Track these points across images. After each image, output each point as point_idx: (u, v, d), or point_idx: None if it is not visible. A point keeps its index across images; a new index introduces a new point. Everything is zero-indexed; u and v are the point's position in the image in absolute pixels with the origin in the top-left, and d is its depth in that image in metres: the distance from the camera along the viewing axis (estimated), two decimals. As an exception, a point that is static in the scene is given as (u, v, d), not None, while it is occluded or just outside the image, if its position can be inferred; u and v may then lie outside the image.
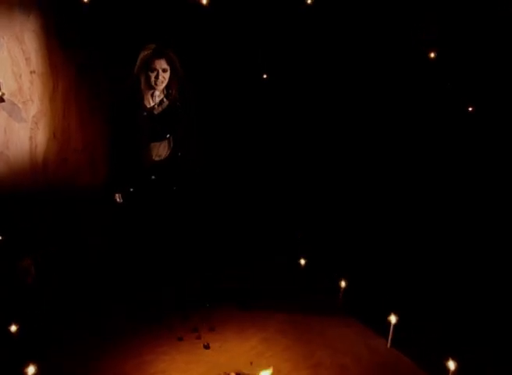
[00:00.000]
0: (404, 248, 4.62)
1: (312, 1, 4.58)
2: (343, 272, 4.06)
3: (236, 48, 4.90)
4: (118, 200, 3.94)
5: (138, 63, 3.76)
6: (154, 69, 3.75)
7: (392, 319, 3.53)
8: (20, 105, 4.57)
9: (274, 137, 5.11)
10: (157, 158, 3.90)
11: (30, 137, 4.65)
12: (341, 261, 4.53)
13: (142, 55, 3.75)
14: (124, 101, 3.84)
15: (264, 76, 4.93)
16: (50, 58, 4.61)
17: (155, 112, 3.88)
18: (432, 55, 4.31)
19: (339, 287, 3.97)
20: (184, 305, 4.01)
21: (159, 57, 3.75)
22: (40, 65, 4.60)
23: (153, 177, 3.91)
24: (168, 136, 3.90)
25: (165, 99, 3.90)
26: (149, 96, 3.86)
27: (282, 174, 5.13)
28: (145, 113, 3.83)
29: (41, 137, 4.68)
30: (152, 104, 3.88)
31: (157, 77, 3.76)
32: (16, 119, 4.58)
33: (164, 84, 3.82)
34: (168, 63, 3.77)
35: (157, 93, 3.87)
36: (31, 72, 4.56)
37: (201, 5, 4.46)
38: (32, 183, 4.64)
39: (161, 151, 3.91)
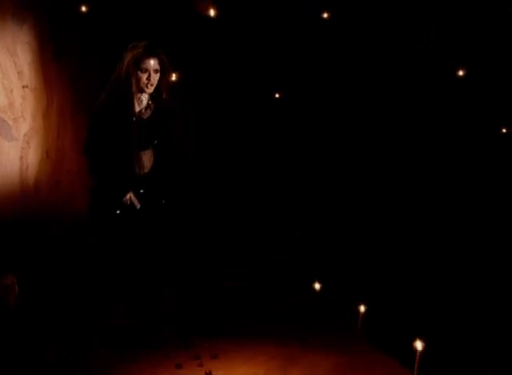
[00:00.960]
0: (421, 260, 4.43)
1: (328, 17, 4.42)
2: (361, 294, 3.79)
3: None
4: (135, 204, 3.60)
5: (127, 62, 3.44)
6: (145, 70, 3.44)
7: (418, 345, 3.15)
8: (11, 122, 4.22)
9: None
10: (145, 170, 3.60)
11: (21, 157, 4.30)
12: (357, 282, 4.30)
13: (132, 53, 3.44)
14: (111, 107, 3.47)
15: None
16: (44, 71, 4.30)
17: (144, 117, 3.59)
18: (460, 72, 4.22)
19: (358, 311, 3.63)
20: (186, 330, 3.68)
21: (151, 56, 3.46)
22: (34, 79, 4.28)
23: (141, 191, 3.62)
24: (155, 142, 3.62)
25: (150, 102, 3.60)
26: (136, 100, 3.54)
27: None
28: (134, 119, 3.53)
29: (33, 158, 4.31)
30: (139, 108, 3.58)
31: (148, 79, 3.45)
32: (5, 137, 4.22)
33: (154, 87, 3.52)
34: (160, 64, 3.50)
35: (144, 96, 3.56)
36: (23, 86, 4.25)
37: (208, 17, 4.30)
38: (22, 208, 4.25)
39: (147, 161, 3.62)
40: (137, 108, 3.56)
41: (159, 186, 3.68)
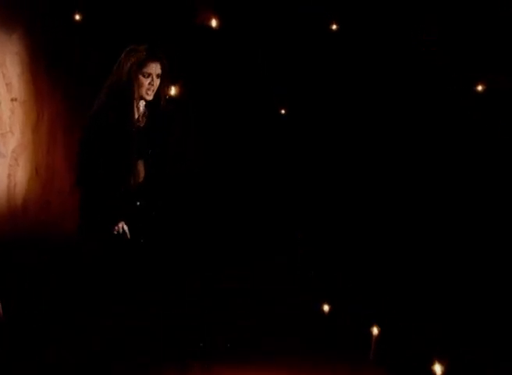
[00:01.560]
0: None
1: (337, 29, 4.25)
2: (373, 316, 3.61)
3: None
4: (121, 231, 3.30)
5: (129, 66, 3.20)
6: (148, 74, 3.21)
7: (437, 370, 2.97)
8: (-2, 138, 3.90)
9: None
10: (139, 180, 3.36)
11: (9, 175, 4.06)
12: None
13: (134, 56, 3.22)
14: (109, 115, 3.21)
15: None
16: (35, 83, 4.07)
17: (140, 125, 3.35)
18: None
19: (371, 335, 3.45)
20: (182, 353, 3.55)
21: (155, 60, 3.25)
22: (23, 91, 4.05)
23: (138, 203, 3.37)
24: (150, 151, 3.37)
25: (146, 109, 3.37)
26: (135, 106, 3.30)
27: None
28: (134, 129, 3.29)
29: (21, 175, 4.07)
30: (137, 115, 3.34)
31: (151, 84, 3.23)
32: (-8, 153, 3.91)
33: (154, 93, 3.29)
34: (162, 68, 3.28)
35: (142, 103, 3.32)
36: (12, 99, 4.03)
37: (211, 28, 4.17)
38: (9, 229, 3.98)
39: (140, 171, 3.37)
40: (135, 116, 3.34)
41: (156, 195, 3.45)
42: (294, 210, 5.06)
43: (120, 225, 3.32)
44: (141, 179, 3.37)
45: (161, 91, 3.33)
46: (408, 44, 4.59)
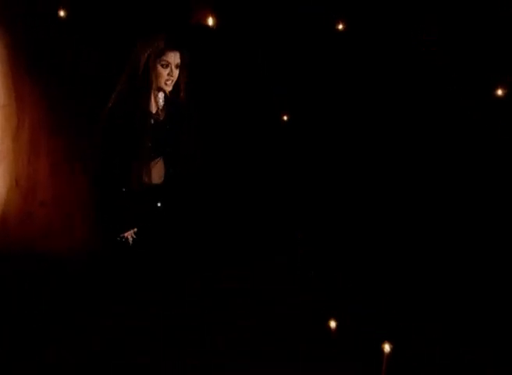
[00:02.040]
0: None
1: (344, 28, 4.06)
2: (384, 330, 3.49)
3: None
4: (130, 239, 3.15)
5: (147, 55, 3.01)
6: (167, 64, 3.03)
7: None
8: (-25, 146, 3.58)
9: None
10: (157, 181, 3.16)
11: None
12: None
13: (151, 45, 3.02)
14: (126, 108, 3.01)
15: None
16: (16, 87, 3.77)
17: (159, 119, 3.16)
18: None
19: (382, 352, 3.21)
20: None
21: (174, 49, 3.05)
22: (3, 96, 3.75)
23: (159, 205, 3.20)
24: (168, 149, 3.19)
25: (165, 102, 3.18)
26: (154, 99, 3.12)
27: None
28: (152, 121, 3.11)
29: (0, 186, 3.78)
30: (156, 109, 3.15)
31: (170, 74, 3.04)
32: (-31, 162, 3.59)
33: (173, 84, 3.11)
34: (181, 58, 3.08)
35: (161, 95, 3.14)
36: None
37: (208, 27, 4.00)
38: None
39: (159, 170, 3.17)
40: (154, 109, 3.15)
41: (176, 197, 3.27)
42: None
43: (128, 234, 3.18)
44: (161, 179, 3.19)
45: (180, 83, 3.14)
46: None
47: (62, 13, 3.75)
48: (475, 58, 4.40)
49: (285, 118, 4.75)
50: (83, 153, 3.69)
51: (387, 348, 3.11)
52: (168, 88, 3.10)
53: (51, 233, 3.92)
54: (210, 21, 4.02)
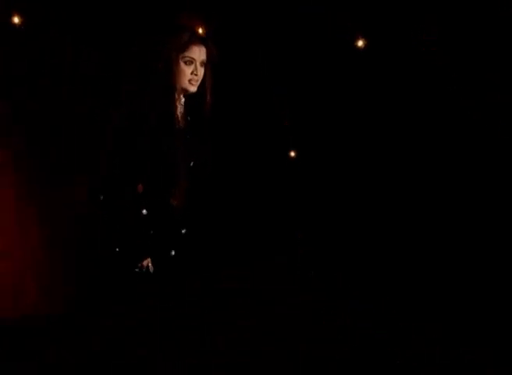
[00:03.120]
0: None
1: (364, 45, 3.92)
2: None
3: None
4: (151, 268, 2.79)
5: (167, 50, 2.63)
6: (190, 61, 2.63)
7: None
8: None
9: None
10: (180, 202, 2.73)
11: None
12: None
13: (173, 39, 2.65)
14: (144, 113, 2.57)
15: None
16: None
17: (181, 125, 2.72)
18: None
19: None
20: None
21: (199, 43, 2.67)
22: None
23: (183, 232, 2.83)
24: (192, 162, 2.76)
25: (186, 105, 2.76)
26: (177, 102, 2.70)
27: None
28: (177, 127, 2.66)
29: None
30: (178, 114, 2.72)
31: (194, 73, 2.65)
32: None
33: (198, 83, 2.69)
34: (208, 54, 2.71)
35: (183, 98, 2.73)
36: None
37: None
38: None
39: (183, 188, 2.71)
40: (177, 114, 2.72)
41: (203, 221, 2.98)
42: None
43: (145, 263, 2.84)
44: (183, 199, 2.78)
45: (206, 83, 2.74)
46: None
47: (16, 20, 3.42)
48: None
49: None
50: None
51: None
52: (193, 89, 2.69)
53: (16, 291, 3.34)
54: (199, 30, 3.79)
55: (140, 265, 2.82)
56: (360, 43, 4.26)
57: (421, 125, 4.72)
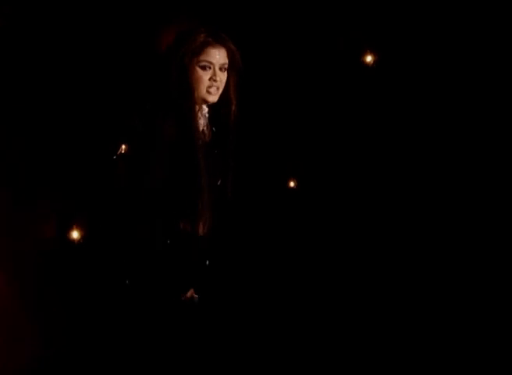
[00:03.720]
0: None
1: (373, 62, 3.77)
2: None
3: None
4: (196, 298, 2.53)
5: (180, 56, 2.27)
6: (208, 66, 2.28)
7: None
8: None
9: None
10: (207, 229, 2.37)
11: None
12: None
13: (188, 42, 2.28)
14: (159, 128, 2.23)
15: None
16: None
17: (206, 140, 2.37)
18: None
19: None
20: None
21: (217, 44, 2.30)
22: None
23: (207, 263, 2.46)
24: (219, 182, 2.42)
25: (208, 117, 2.40)
26: (198, 113, 2.34)
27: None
28: (200, 142, 2.29)
29: None
30: (201, 128, 2.35)
31: (213, 79, 2.29)
32: None
33: (220, 92, 2.34)
34: (229, 57, 2.34)
35: (205, 107, 2.37)
36: None
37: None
38: None
39: (208, 212, 2.34)
40: (199, 128, 2.36)
41: (230, 251, 2.63)
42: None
43: (190, 293, 2.58)
44: (209, 226, 2.40)
45: (230, 91, 2.39)
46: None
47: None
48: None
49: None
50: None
51: None
52: (212, 99, 2.33)
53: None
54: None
55: (184, 296, 2.55)
56: (368, 58, 4.18)
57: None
